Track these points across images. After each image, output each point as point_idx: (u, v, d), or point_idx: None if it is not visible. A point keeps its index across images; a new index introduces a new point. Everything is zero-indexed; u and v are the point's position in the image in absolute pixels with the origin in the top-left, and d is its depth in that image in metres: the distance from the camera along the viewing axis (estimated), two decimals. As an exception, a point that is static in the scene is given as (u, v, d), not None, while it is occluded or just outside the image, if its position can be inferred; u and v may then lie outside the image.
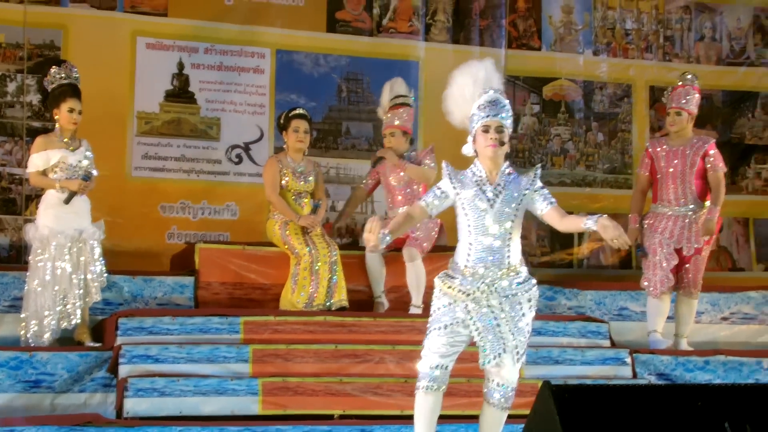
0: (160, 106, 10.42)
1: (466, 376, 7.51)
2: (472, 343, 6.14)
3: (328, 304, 8.93)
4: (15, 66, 9.99)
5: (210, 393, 7.66)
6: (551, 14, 11.78)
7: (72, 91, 8.52)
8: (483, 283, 6.06)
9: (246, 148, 10.62)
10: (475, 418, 6.48)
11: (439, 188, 6.24)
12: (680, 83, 9.55)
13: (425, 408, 6.17)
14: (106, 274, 8.57)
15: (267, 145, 10.64)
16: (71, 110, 8.47)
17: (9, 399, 7.70)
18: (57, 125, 8.53)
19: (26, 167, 8.67)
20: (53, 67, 8.62)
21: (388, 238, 6.15)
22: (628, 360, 8.75)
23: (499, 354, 6.06)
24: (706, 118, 11.42)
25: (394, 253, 9.27)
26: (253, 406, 7.71)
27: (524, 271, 6.20)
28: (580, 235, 11.39)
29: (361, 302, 9.34)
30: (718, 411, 5.59)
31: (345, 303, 9.00)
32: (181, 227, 10.33)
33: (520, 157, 11.45)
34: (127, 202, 10.04)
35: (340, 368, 8.14)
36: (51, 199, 8.45)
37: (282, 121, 9.40)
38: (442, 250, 9.20)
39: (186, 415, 7.53)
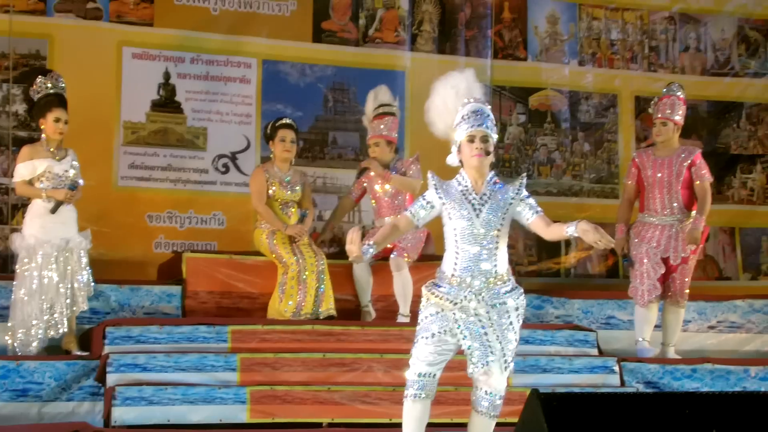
0: (147, 115, 10.41)
1: (454, 384, 7.51)
2: (460, 352, 6.15)
3: (315, 313, 8.92)
4: (0, 75, 9.96)
5: (198, 401, 7.65)
6: (537, 25, 11.80)
7: (58, 100, 8.50)
8: (470, 291, 6.06)
9: (233, 157, 10.61)
10: (463, 426, 6.49)
11: (425, 199, 6.24)
12: (666, 93, 9.57)
13: (413, 416, 6.17)
14: (93, 283, 8.55)
15: (254, 155, 10.63)
16: (57, 120, 8.45)
17: (-4, 408, 7.71)
18: (43, 135, 8.51)
19: (12, 177, 8.65)
20: (39, 76, 8.60)
21: (372, 249, 6.17)
22: (616, 368, 8.77)
23: (487, 362, 6.07)
24: (691, 128, 11.46)
25: (381, 262, 9.26)
26: (241, 414, 7.71)
27: (511, 280, 6.22)
28: (567, 244, 11.41)
29: (349, 311, 9.34)
30: (706, 419, 5.60)
31: (333, 312, 9.00)
32: (168, 236, 10.32)
33: (507, 166, 11.46)
34: (113, 211, 10.02)
35: (328, 377, 8.14)
36: (37, 208, 8.43)
37: (269, 131, 9.40)
38: (429, 259, 9.20)
39: (174, 424, 7.54)
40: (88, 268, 8.51)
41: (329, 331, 8.52)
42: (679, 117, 9.50)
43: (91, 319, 8.75)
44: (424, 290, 6.21)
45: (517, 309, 6.16)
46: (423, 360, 6.12)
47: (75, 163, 8.56)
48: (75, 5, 10.24)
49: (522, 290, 6.24)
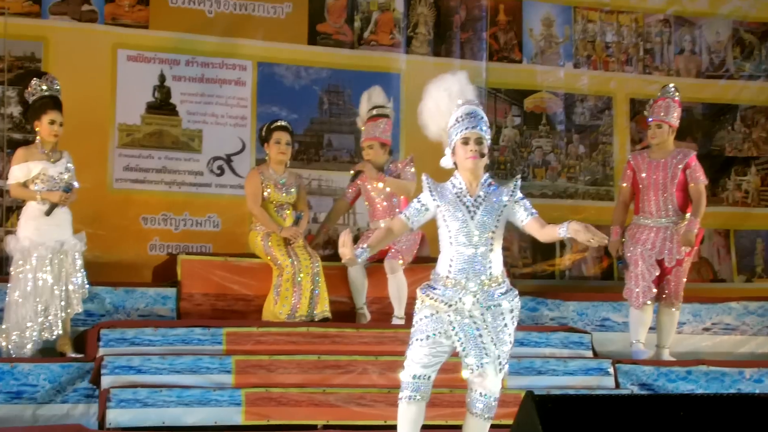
0: (142, 118, 10.41)
1: (449, 386, 7.50)
2: (455, 354, 6.15)
3: (310, 315, 8.92)
4: (-5, 78, 9.99)
5: (193, 403, 7.65)
6: (532, 27, 11.82)
7: (53, 103, 8.50)
8: (465, 294, 6.07)
9: (228, 160, 10.61)
10: (458, 428, 6.47)
11: (419, 201, 6.24)
12: (661, 96, 9.58)
13: (408, 418, 6.17)
14: (87, 286, 8.55)
15: (249, 157, 10.64)
16: (52, 122, 8.45)
17: (-9, 410, 7.70)
18: (38, 137, 8.51)
19: (7, 179, 8.65)
20: (34, 78, 8.61)
21: (366, 253, 6.18)
22: (611, 370, 8.77)
23: (482, 364, 6.07)
24: (686, 131, 11.45)
25: (376, 264, 9.26)
26: (236, 416, 7.71)
27: (506, 281, 6.22)
28: (562, 246, 11.43)
29: (344, 313, 9.33)
30: (701, 421, 5.61)
31: (328, 314, 9.00)
32: (163, 239, 10.32)
33: (502, 168, 11.47)
34: (108, 213, 10.02)
35: (323, 379, 8.13)
36: (32, 210, 8.43)
37: (264, 133, 9.40)
38: (424, 261, 9.20)
39: (169, 426, 7.53)
40: (82, 270, 8.51)
41: (324, 333, 8.52)
42: (674, 119, 9.50)
43: (85, 322, 8.75)
44: (418, 292, 6.21)
45: (511, 311, 6.16)
46: (418, 362, 6.12)
47: (70, 165, 8.57)
48: (70, 7, 10.24)
49: (517, 292, 6.24)
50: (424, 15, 11.44)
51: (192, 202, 10.46)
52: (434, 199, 6.18)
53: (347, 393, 7.99)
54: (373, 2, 11.30)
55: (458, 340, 6.06)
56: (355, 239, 8.67)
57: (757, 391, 9.08)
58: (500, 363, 6.12)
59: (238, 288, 9.25)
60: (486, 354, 6.06)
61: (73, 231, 8.55)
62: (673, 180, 9.37)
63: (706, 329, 10.47)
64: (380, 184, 9.44)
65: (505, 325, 6.13)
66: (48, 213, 8.37)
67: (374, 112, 9.55)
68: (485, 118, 6.26)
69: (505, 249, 6.43)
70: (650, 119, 9.55)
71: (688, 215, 9.34)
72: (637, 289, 9.30)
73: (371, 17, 11.28)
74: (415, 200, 6.26)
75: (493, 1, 11.67)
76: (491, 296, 6.09)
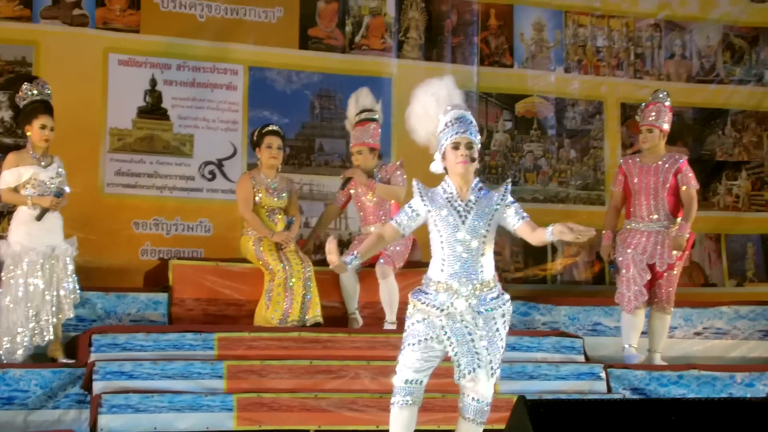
0: (133, 122, 10.39)
1: (441, 391, 7.51)
2: (447, 359, 6.16)
3: (302, 320, 8.91)
4: (-14, 83, 9.96)
5: (185, 409, 7.64)
6: (523, 32, 11.82)
7: (44, 107, 8.49)
8: (457, 298, 6.07)
9: (219, 164, 10.60)
10: (450, 433, 6.49)
11: (410, 207, 6.25)
12: (652, 101, 9.59)
13: (400, 423, 6.18)
14: (79, 291, 8.52)
15: (240, 162, 10.62)
16: (43, 127, 8.44)
17: (-19, 416, 7.68)
18: (29, 142, 8.49)
19: (-2, 184, 8.64)
20: (25, 83, 8.58)
21: (357, 261, 6.19)
22: (603, 375, 8.78)
23: (474, 369, 6.07)
24: (677, 135, 11.47)
25: (368, 269, 9.26)
26: (227, 421, 7.70)
27: (498, 286, 6.23)
28: (554, 250, 11.44)
29: (335, 318, 9.32)
30: (692, 425, 5.63)
31: (319, 319, 8.99)
32: (155, 243, 10.30)
33: (493, 173, 11.48)
34: (99, 218, 10.00)
35: (315, 384, 8.12)
36: (23, 215, 8.41)
37: (255, 138, 9.39)
38: (415, 266, 9.20)
39: (161, 431, 7.51)
40: (74, 275, 8.49)
41: (316, 338, 8.51)
42: (665, 124, 9.51)
43: (77, 327, 8.72)
44: (410, 297, 6.21)
45: (503, 315, 6.17)
46: (410, 367, 6.12)
47: (61, 170, 8.55)
48: (61, 12, 10.22)
49: (508, 297, 6.25)
50: (416, 19, 11.44)
51: (183, 206, 10.43)
52: (425, 205, 6.19)
53: (339, 398, 7.98)
54: (364, 6, 11.30)
55: (450, 345, 6.07)
56: (347, 244, 8.66)
57: (748, 395, 9.09)
58: (492, 368, 6.13)
59: (230, 293, 9.24)
60: (478, 359, 6.07)
61: (64, 236, 8.53)
62: (665, 184, 9.38)
63: (698, 333, 10.48)
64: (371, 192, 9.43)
65: (497, 329, 6.14)
66: (39, 218, 8.35)
67: (362, 116, 9.53)
68: (474, 123, 6.27)
69: (496, 253, 6.44)
70: (641, 124, 9.57)
71: (679, 219, 9.36)
72: (629, 294, 9.30)
73: (362, 21, 11.28)
74: (406, 206, 6.27)
75: (485, 6, 11.67)
76: (483, 301, 6.10)
